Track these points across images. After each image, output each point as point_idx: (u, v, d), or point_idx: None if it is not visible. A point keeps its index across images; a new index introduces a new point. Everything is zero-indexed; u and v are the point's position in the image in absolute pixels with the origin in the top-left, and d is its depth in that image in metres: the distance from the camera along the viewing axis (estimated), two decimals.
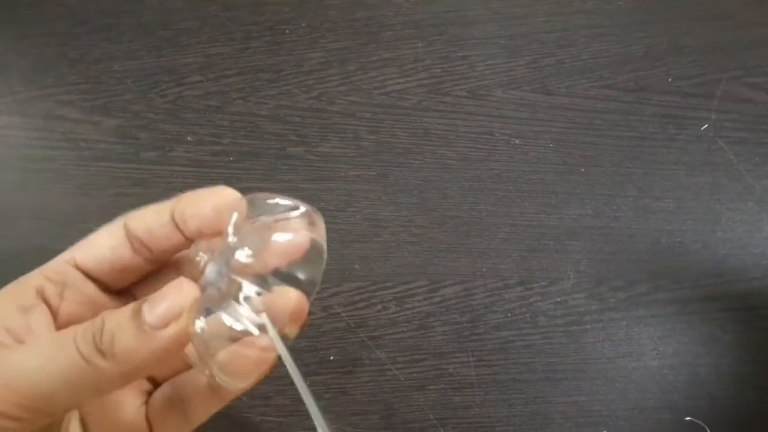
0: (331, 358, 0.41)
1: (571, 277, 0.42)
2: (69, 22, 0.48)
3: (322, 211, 0.43)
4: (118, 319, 0.19)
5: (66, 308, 0.22)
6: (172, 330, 0.19)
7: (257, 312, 0.20)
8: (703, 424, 0.40)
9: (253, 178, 0.44)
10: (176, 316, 0.19)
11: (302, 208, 0.23)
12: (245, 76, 0.47)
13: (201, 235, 0.22)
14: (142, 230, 0.23)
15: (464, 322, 0.41)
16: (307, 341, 0.41)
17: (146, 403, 0.24)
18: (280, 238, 0.22)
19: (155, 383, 0.25)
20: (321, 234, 0.24)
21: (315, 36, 0.48)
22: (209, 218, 0.22)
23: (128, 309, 0.19)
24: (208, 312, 0.20)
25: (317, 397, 0.40)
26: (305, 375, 0.40)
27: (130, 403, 0.24)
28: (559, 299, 0.42)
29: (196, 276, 0.21)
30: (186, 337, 0.19)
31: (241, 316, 0.20)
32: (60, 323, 0.22)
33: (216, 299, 0.20)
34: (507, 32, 0.48)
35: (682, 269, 0.43)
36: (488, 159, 0.45)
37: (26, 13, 0.48)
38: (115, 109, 0.46)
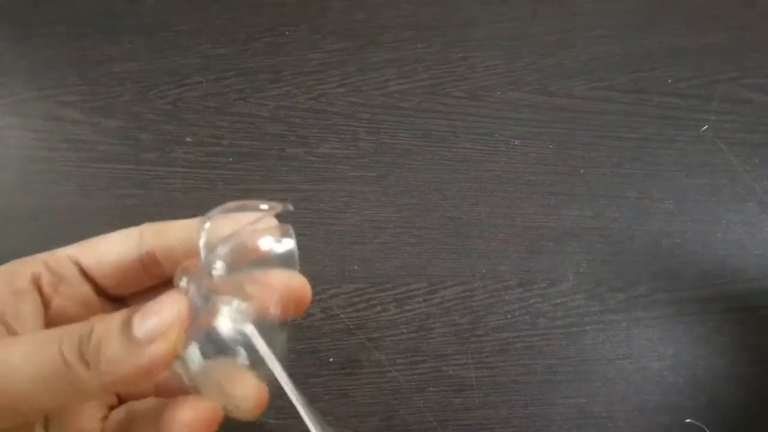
0: (331, 359, 0.41)
1: (571, 278, 0.42)
2: (69, 24, 0.48)
3: (322, 212, 0.43)
4: (107, 327, 0.18)
5: (57, 302, 0.22)
6: (160, 347, 0.18)
7: (240, 321, 0.20)
8: (703, 426, 0.40)
9: (252, 179, 0.44)
10: (166, 333, 0.18)
11: (268, 209, 0.22)
12: (245, 77, 0.47)
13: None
14: (162, 247, 0.22)
15: (464, 323, 0.41)
16: (307, 343, 0.41)
17: (105, 418, 0.23)
18: (248, 243, 0.21)
19: (120, 400, 0.24)
20: (290, 235, 0.22)
21: (315, 37, 0.48)
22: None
23: (119, 317, 0.19)
24: (199, 339, 0.20)
25: (317, 399, 0.40)
26: (306, 377, 0.40)
27: (91, 414, 0.23)
28: (558, 301, 0.42)
29: None
30: (172, 356, 0.19)
31: (223, 336, 0.20)
32: (49, 316, 0.22)
33: (201, 322, 0.20)
34: (507, 33, 0.48)
35: (682, 270, 0.43)
36: (488, 160, 0.45)
37: (26, 15, 0.48)
38: (115, 110, 0.46)
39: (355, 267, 0.42)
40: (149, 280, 0.23)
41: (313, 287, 0.42)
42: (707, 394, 0.41)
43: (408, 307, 0.42)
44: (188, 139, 0.45)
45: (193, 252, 0.21)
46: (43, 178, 0.44)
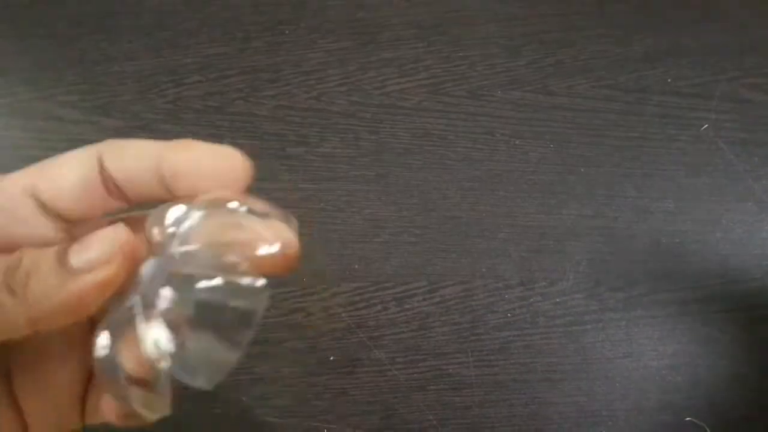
0: (331, 358, 0.41)
1: (571, 277, 0.42)
2: (68, 23, 0.48)
3: (322, 211, 0.43)
4: (39, 256, 0.17)
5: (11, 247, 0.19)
6: (98, 275, 0.16)
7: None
8: (703, 425, 0.40)
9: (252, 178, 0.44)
10: (106, 262, 0.17)
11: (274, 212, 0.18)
12: (245, 77, 0.47)
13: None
14: (120, 173, 0.19)
15: (464, 322, 0.41)
16: (307, 342, 0.41)
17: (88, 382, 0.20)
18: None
19: None
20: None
21: (314, 36, 0.48)
22: (206, 186, 0.19)
23: (53, 248, 0.17)
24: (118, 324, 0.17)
25: (317, 397, 0.40)
26: (306, 375, 0.40)
27: (64, 376, 0.20)
28: (558, 300, 0.42)
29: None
30: (111, 287, 0.17)
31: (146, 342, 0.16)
32: None
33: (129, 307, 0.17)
34: (507, 32, 0.48)
35: (682, 270, 0.43)
36: (488, 159, 0.45)
37: (26, 15, 0.48)
38: (114, 109, 0.45)
39: (356, 266, 0.42)
40: (122, 205, 0.20)
41: (313, 286, 0.42)
42: (707, 393, 0.41)
43: (408, 306, 0.42)
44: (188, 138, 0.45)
45: (153, 184, 0.19)
46: None
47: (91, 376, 0.21)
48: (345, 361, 0.41)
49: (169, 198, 0.19)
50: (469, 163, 0.45)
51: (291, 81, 0.47)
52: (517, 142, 0.45)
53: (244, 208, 0.18)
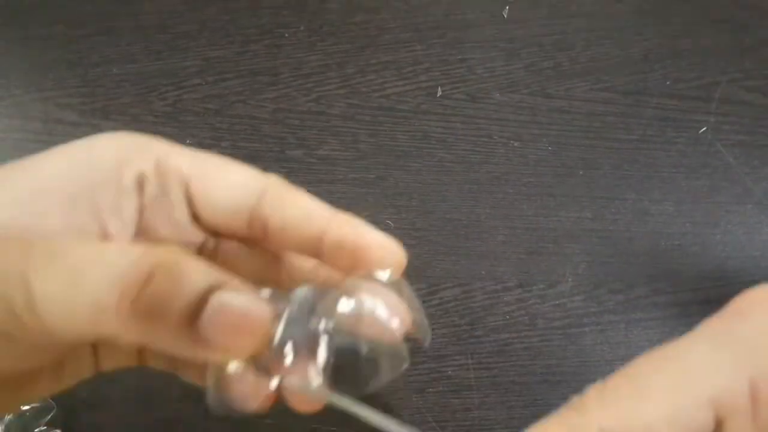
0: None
1: (570, 279, 0.42)
2: (68, 25, 0.48)
3: None
4: (169, 287, 0.15)
5: (150, 215, 0.19)
6: (222, 354, 0.17)
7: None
8: None
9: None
10: (233, 346, 0.16)
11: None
12: (244, 79, 0.47)
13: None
14: (275, 222, 0.20)
15: (463, 324, 0.41)
16: None
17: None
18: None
19: None
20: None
21: (314, 39, 0.48)
22: (367, 265, 0.20)
23: (184, 300, 0.16)
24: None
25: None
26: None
27: None
28: (557, 302, 0.42)
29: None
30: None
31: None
32: (139, 227, 0.19)
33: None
34: (505, 35, 0.48)
35: (681, 272, 0.43)
36: (487, 162, 0.45)
37: (25, 16, 0.48)
38: (113, 112, 0.46)
39: None
40: (250, 237, 0.20)
41: None
42: None
43: None
44: (188, 141, 0.45)
45: (306, 244, 0.19)
46: None
47: None
48: None
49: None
50: (467, 166, 0.45)
51: (290, 84, 0.47)
52: (515, 145, 0.45)
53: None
